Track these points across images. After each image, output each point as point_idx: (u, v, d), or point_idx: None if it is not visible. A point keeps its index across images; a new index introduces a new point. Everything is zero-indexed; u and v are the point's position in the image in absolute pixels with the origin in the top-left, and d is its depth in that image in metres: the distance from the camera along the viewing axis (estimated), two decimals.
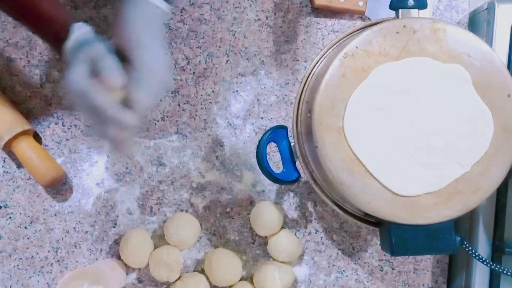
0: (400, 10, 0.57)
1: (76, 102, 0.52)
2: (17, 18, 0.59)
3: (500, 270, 0.58)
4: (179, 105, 0.73)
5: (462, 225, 0.69)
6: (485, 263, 0.58)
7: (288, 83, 0.74)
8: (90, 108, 0.51)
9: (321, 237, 0.73)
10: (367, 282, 0.73)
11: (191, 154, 0.73)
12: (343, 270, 0.73)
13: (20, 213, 0.71)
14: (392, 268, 0.73)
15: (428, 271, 0.73)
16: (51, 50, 0.72)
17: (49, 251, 0.72)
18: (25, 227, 0.71)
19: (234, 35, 0.74)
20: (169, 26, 0.73)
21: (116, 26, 0.54)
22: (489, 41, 0.67)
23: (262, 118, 0.74)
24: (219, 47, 0.74)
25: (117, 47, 0.53)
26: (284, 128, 0.64)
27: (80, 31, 0.53)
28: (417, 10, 0.57)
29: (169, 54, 0.72)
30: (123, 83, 0.51)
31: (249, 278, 0.72)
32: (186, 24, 0.74)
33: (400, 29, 0.54)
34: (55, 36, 0.55)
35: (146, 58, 0.52)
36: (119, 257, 0.72)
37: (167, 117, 0.73)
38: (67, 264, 0.72)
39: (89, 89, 0.50)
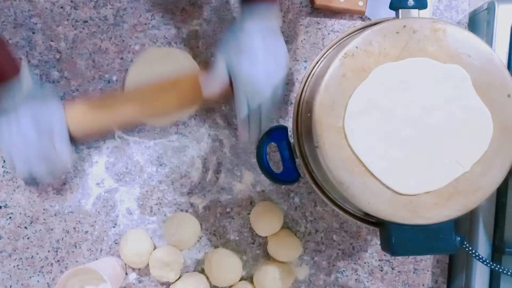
0: (400, 10, 0.56)
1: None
2: None
3: (500, 270, 0.58)
4: None
5: (462, 225, 0.69)
6: (485, 263, 0.58)
7: (288, 83, 0.74)
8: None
9: (321, 237, 0.73)
10: (367, 282, 0.73)
11: (191, 154, 0.73)
12: (343, 270, 0.73)
13: (20, 213, 0.71)
14: (392, 268, 0.73)
15: (428, 271, 0.73)
16: None
17: (49, 251, 0.72)
18: (25, 227, 0.71)
19: None
20: (169, 27, 0.73)
21: None
22: (489, 41, 0.67)
23: None
24: None
25: None
26: (284, 128, 0.64)
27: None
28: (417, 10, 0.56)
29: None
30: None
31: (249, 278, 0.72)
32: (187, 24, 0.74)
33: (400, 29, 0.54)
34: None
35: None
36: (119, 257, 0.72)
37: None
38: (67, 264, 0.72)
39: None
